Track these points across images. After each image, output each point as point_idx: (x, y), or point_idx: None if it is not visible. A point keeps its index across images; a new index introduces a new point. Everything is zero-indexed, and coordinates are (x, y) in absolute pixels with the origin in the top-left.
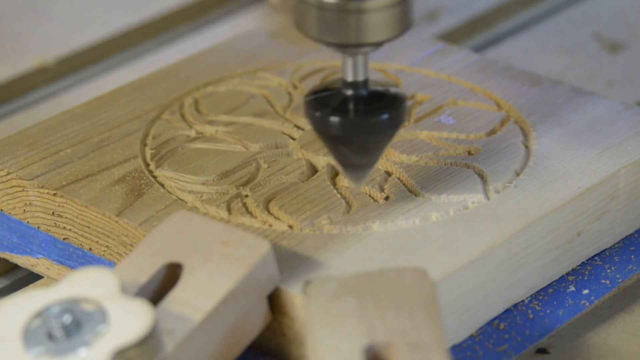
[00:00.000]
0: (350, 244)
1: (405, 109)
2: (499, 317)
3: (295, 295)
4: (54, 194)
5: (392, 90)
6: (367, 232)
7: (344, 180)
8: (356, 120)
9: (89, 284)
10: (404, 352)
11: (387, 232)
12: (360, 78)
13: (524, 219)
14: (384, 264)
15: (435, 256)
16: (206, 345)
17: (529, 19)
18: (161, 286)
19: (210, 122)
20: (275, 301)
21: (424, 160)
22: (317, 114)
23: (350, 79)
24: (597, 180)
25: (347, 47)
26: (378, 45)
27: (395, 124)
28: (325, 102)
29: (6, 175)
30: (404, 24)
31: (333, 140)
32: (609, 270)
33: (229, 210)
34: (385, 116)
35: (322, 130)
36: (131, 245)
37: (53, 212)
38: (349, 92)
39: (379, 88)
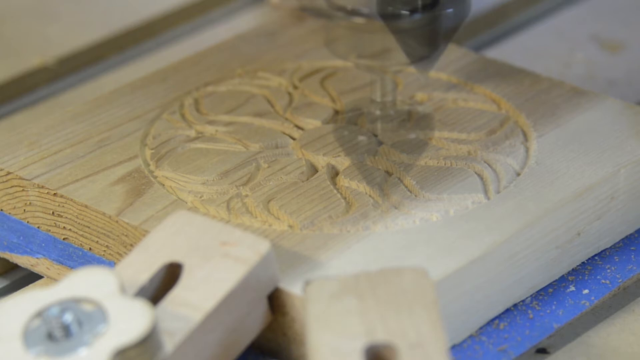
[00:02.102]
0: (350, 244)
1: (470, 2)
2: (499, 317)
3: (295, 295)
4: (54, 194)
5: None
6: (367, 232)
7: (344, 180)
8: (424, 13)
9: (89, 284)
10: (404, 352)
11: (387, 232)
12: None
13: (524, 219)
14: (384, 264)
15: (435, 256)
16: (206, 345)
17: (529, 19)
18: (161, 286)
19: (210, 122)
20: (275, 301)
21: (424, 160)
22: (389, 8)
23: None
24: (597, 180)
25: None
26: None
27: (460, 16)
28: None
29: (6, 175)
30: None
31: (402, 33)
32: (609, 270)
33: (229, 210)
34: (450, 10)
35: (393, 23)
36: (131, 245)
37: (53, 212)
38: None
39: None
